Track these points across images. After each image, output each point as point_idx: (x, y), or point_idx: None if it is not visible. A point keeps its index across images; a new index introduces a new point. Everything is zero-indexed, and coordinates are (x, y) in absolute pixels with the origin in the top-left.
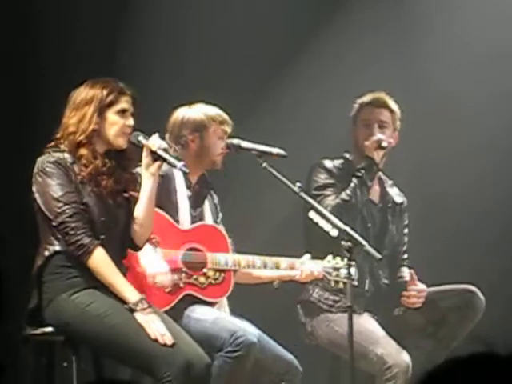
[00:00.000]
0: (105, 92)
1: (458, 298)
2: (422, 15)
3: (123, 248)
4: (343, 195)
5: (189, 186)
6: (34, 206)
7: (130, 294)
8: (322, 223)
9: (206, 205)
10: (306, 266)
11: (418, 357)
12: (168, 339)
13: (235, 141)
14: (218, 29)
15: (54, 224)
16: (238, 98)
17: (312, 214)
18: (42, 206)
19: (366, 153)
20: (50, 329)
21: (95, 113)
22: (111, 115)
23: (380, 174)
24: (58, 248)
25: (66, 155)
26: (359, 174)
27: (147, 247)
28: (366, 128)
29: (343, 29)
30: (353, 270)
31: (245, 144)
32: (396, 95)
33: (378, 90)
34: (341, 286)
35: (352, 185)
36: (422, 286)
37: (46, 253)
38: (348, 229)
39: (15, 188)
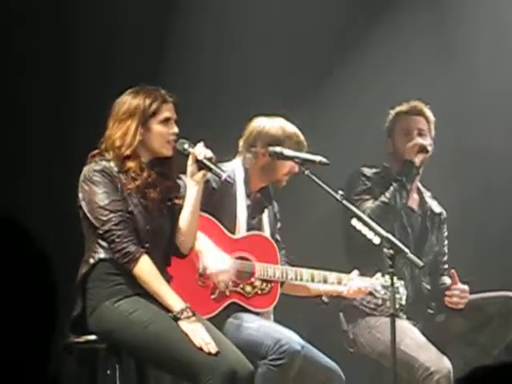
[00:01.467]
0: (147, 102)
1: (500, 304)
2: (468, 23)
3: (167, 257)
4: (383, 198)
5: (249, 195)
6: (80, 214)
7: (175, 302)
8: (365, 231)
9: (265, 214)
10: (354, 283)
11: (459, 365)
12: (212, 348)
13: (277, 149)
14: (262, 33)
15: (99, 232)
16: (281, 105)
17: (354, 222)
18: (88, 214)
19: (406, 156)
20: (93, 337)
21: (139, 125)
22: (155, 125)
23: (419, 184)
24: (102, 256)
25: (112, 164)
26: (399, 178)
27: (210, 245)
28: (406, 136)
29: (389, 35)
30: (402, 290)
31: (287, 152)
32: (437, 102)
33: (422, 97)
34: (388, 304)
35: (392, 188)
36: (464, 287)
37: (91, 260)
38: (390, 236)
39: (58, 196)
